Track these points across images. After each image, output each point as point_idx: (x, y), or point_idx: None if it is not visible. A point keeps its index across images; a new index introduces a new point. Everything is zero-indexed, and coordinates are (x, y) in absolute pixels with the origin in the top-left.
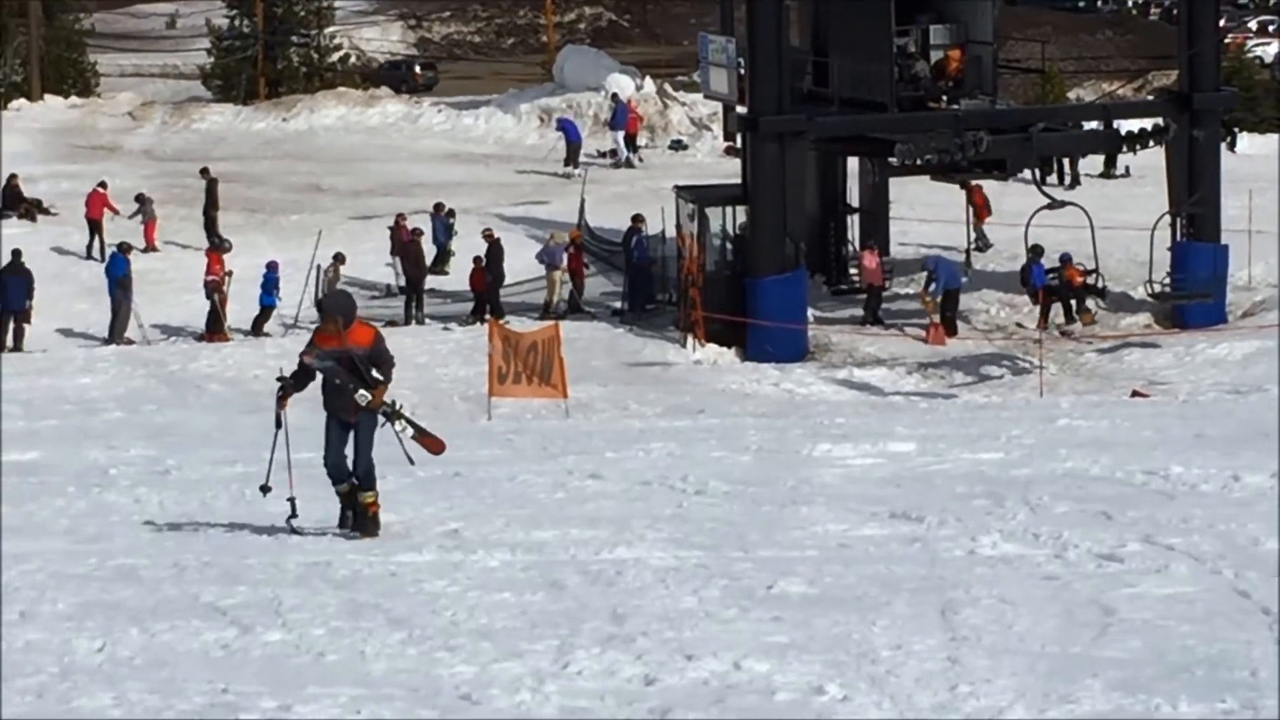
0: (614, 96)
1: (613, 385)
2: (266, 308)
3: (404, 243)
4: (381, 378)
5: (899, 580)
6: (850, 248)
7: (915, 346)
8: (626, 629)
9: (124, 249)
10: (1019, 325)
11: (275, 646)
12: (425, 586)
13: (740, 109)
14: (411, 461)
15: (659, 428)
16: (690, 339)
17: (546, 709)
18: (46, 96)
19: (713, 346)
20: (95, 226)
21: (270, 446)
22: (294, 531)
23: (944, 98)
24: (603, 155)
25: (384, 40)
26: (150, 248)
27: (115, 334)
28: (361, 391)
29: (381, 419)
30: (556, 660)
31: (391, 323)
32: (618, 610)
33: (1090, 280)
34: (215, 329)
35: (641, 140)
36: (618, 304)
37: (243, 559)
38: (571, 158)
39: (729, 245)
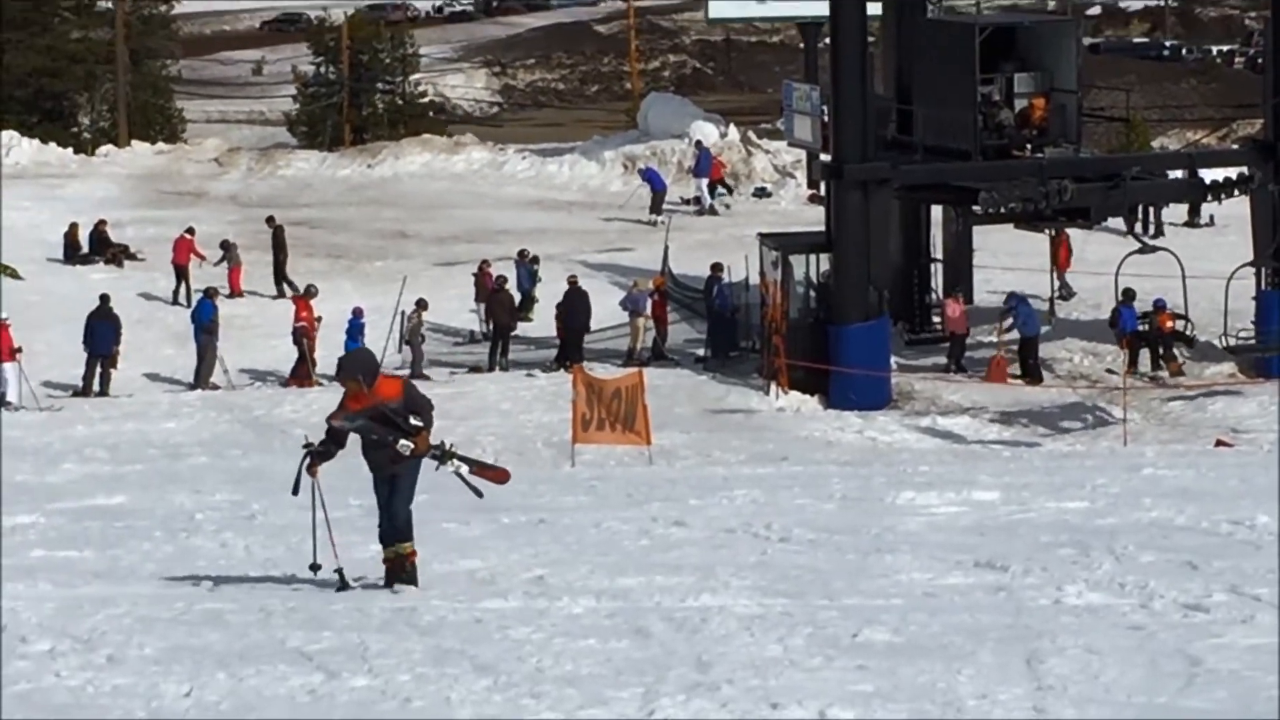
0: (698, 144)
1: (696, 432)
2: None
3: (491, 290)
4: (421, 424)
5: (984, 629)
6: (934, 295)
7: (999, 395)
8: (711, 676)
9: (210, 294)
10: (1109, 372)
11: (361, 692)
12: (510, 633)
13: (824, 156)
14: (479, 494)
15: (743, 475)
16: (774, 386)
17: None
18: (134, 142)
19: (796, 394)
20: (181, 272)
21: (311, 524)
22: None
23: (1028, 146)
24: (686, 202)
25: (469, 87)
26: (236, 293)
27: (201, 379)
28: (404, 442)
29: (435, 464)
30: (642, 707)
31: (475, 369)
32: (703, 657)
33: (1180, 327)
34: (301, 374)
35: (727, 185)
36: (701, 351)
37: (329, 604)
38: (656, 206)
39: (812, 293)
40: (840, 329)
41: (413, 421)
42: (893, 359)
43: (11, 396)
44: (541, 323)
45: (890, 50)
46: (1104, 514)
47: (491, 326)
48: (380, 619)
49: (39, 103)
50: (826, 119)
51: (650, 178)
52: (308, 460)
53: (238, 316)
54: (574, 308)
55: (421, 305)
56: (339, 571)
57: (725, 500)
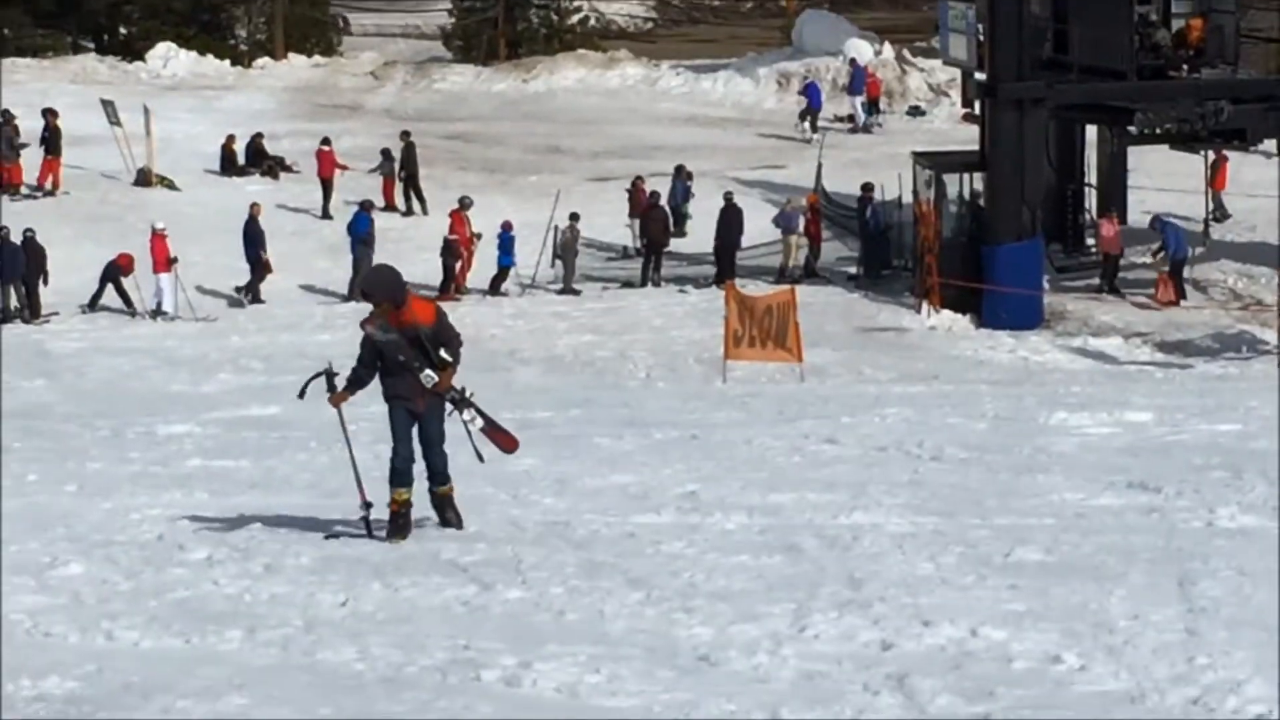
0: (852, 61)
1: (847, 350)
2: (504, 268)
3: (647, 207)
4: (449, 358)
5: (1136, 550)
6: (1087, 216)
7: (1151, 316)
8: (863, 594)
9: (366, 206)
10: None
11: (515, 604)
12: (663, 548)
13: (979, 75)
14: (481, 458)
15: (894, 393)
16: (925, 305)
17: (784, 671)
18: (290, 55)
19: (948, 313)
20: (327, 185)
21: (349, 462)
22: (370, 533)
23: (1184, 67)
24: (840, 120)
25: (624, 2)
26: (390, 206)
27: (355, 291)
28: (428, 372)
29: (449, 406)
30: (794, 623)
31: (628, 284)
32: (855, 575)
33: None
34: (449, 289)
35: (881, 105)
36: (853, 269)
37: (482, 516)
38: (812, 122)
39: (966, 212)
40: (993, 248)
41: (441, 354)
42: (1045, 278)
43: (167, 306)
44: (695, 239)
45: None
46: (1257, 436)
47: (645, 242)
48: (534, 532)
49: (196, 15)
50: (982, 38)
51: (811, 93)
52: (328, 391)
53: (392, 229)
54: (728, 224)
55: (575, 219)
56: (368, 505)
57: (877, 418)
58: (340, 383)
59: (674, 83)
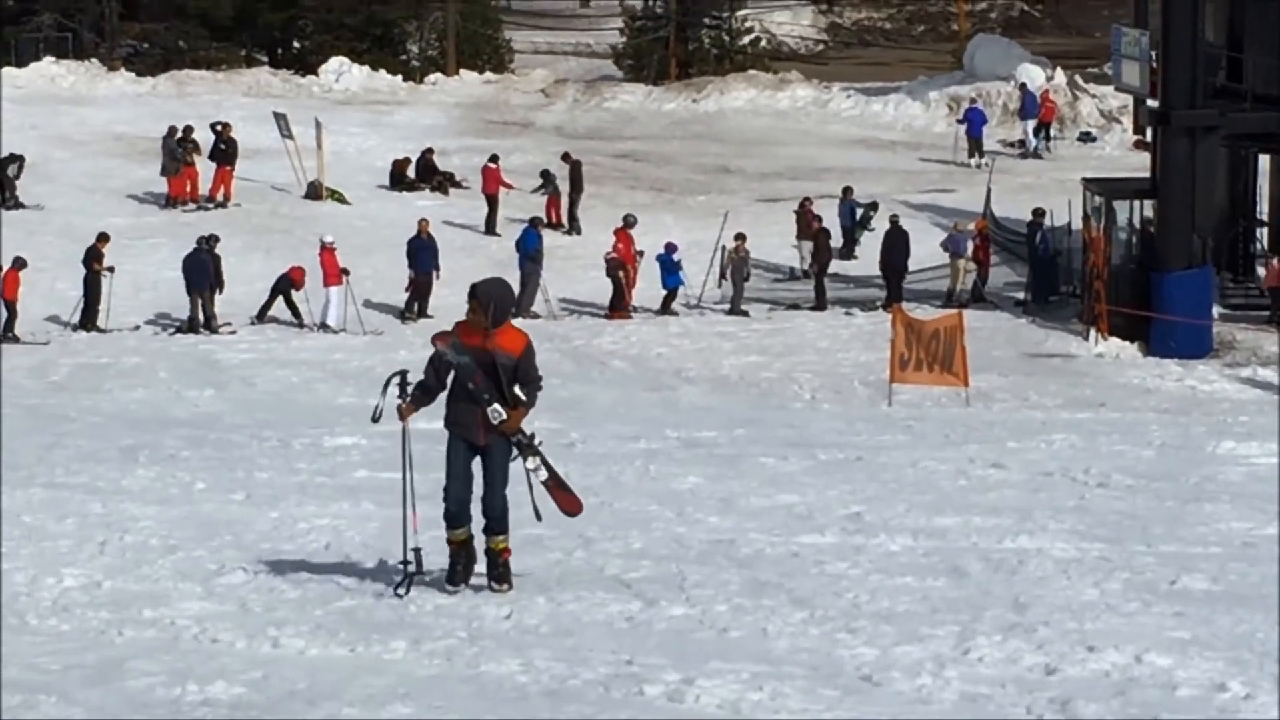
0: (1022, 86)
1: (1014, 375)
2: (672, 289)
3: (815, 230)
4: (524, 398)
5: None
6: (1258, 245)
7: None
8: (1028, 618)
9: (535, 223)
10: None
11: (678, 621)
12: (827, 568)
13: (1151, 102)
14: (539, 516)
15: (1060, 419)
16: (1093, 332)
17: (947, 693)
18: (462, 72)
19: (1115, 340)
20: (492, 201)
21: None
22: (404, 585)
23: None
24: (1010, 145)
25: (795, 24)
26: (555, 223)
27: (522, 307)
28: (495, 406)
29: (514, 450)
30: (958, 646)
31: (795, 305)
32: (1020, 599)
33: None
34: (619, 306)
35: (1052, 130)
36: (1021, 294)
37: (648, 533)
38: (971, 149)
39: (1135, 239)
40: (1162, 276)
41: (516, 391)
42: (1215, 308)
43: (332, 320)
44: (864, 262)
45: None
46: None
47: (816, 265)
48: (698, 550)
49: (369, 30)
50: (1155, 64)
51: (971, 118)
52: (399, 399)
53: (559, 246)
54: (895, 247)
55: (741, 239)
56: (416, 551)
57: (1043, 444)
58: (410, 391)
59: (844, 105)
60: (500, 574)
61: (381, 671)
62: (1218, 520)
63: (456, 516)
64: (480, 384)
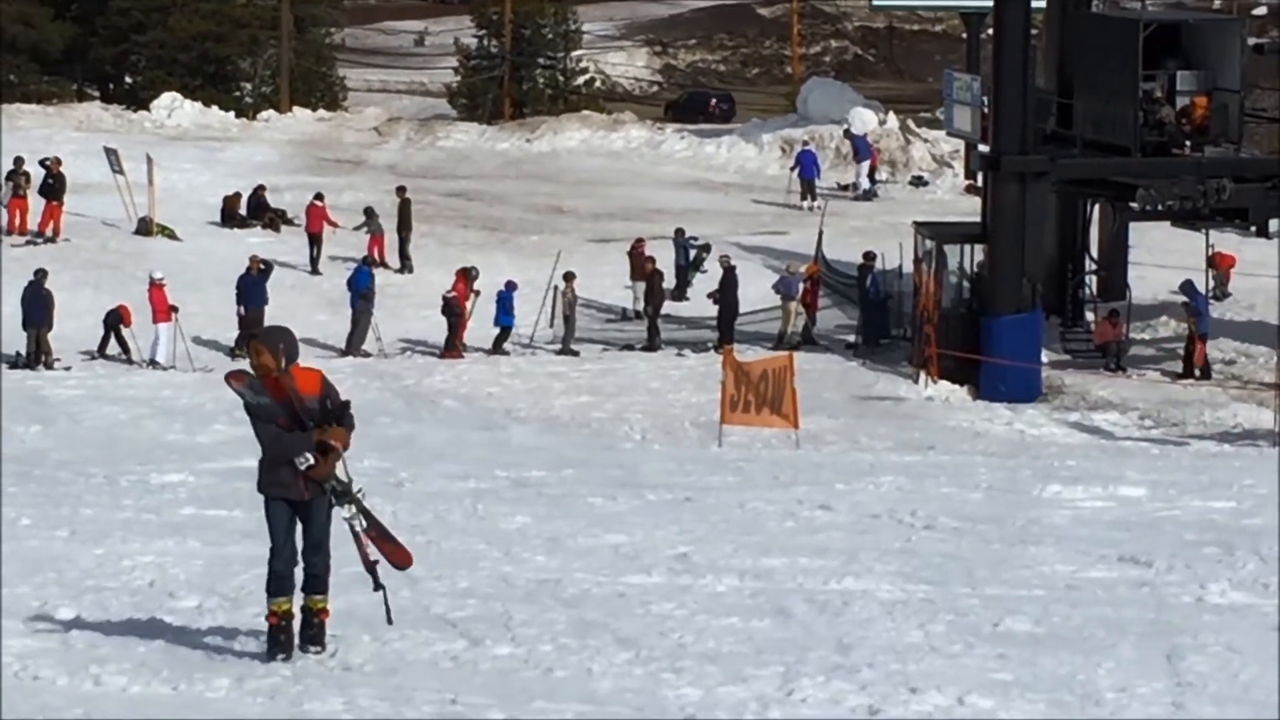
0: (846, 132)
1: (844, 418)
2: (505, 328)
3: (648, 271)
4: (334, 444)
5: (1126, 624)
6: (1087, 290)
7: (1148, 391)
8: (852, 659)
9: (368, 262)
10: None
11: (504, 660)
12: (653, 608)
13: (983, 147)
14: (390, 620)
15: (889, 462)
16: (923, 375)
17: None
18: (295, 109)
19: (945, 383)
20: (315, 240)
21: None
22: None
23: (1188, 144)
24: (844, 189)
25: (629, 65)
26: (380, 263)
27: (353, 346)
28: (306, 455)
29: (330, 500)
30: (781, 687)
31: (628, 346)
32: (844, 640)
33: None
34: (449, 346)
35: (882, 175)
36: (852, 337)
37: (475, 572)
38: (804, 192)
39: (966, 283)
40: (992, 320)
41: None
42: (1044, 352)
43: (161, 356)
44: (695, 303)
45: (1053, 43)
46: (1251, 514)
47: (650, 307)
48: (525, 589)
49: (203, 66)
50: (986, 110)
51: (803, 161)
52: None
53: (391, 285)
54: (726, 289)
55: (569, 278)
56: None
57: (871, 486)
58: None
59: (677, 146)
60: (314, 635)
61: (204, 710)
62: (1042, 563)
63: (284, 580)
64: (286, 425)
